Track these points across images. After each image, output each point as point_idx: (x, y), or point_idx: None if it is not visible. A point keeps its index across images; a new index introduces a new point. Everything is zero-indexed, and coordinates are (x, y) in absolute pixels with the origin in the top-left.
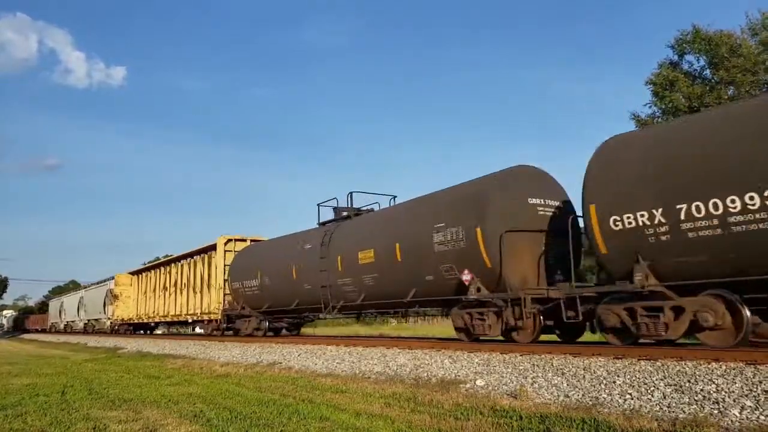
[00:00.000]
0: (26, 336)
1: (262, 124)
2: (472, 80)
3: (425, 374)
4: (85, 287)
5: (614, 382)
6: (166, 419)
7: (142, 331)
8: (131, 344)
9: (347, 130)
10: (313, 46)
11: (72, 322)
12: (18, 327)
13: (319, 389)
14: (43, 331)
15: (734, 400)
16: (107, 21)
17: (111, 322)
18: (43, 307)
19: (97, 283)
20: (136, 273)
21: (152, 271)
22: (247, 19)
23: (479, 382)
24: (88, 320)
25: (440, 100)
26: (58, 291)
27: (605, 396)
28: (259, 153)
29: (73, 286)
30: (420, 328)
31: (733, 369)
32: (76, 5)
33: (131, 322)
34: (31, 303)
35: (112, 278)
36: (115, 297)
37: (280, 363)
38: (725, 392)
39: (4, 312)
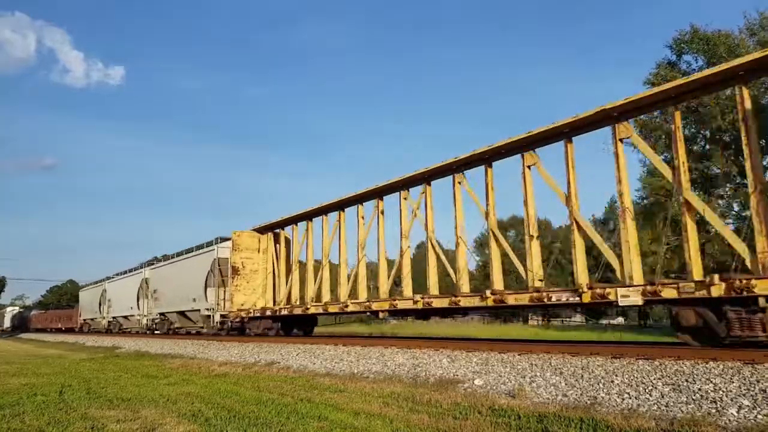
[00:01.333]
0: (24, 335)
1: (260, 123)
2: (472, 80)
3: (423, 374)
4: (150, 263)
5: (612, 381)
6: (165, 419)
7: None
8: (129, 344)
9: (346, 129)
10: (310, 46)
11: (125, 317)
12: (23, 326)
13: (317, 389)
14: (70, 331)
15: (732, 400)
16: (106, 21)
17: (222, 317)
18: (41, 304)
19: (184, 254)
20: (272, 228)
21: (326, 217)
22: (245, 19)
23: (477, 382)
24: (163, 314)
25: (440, 100)
26: (57, 290)
27: (603, 395)
28: (256, 152)
29: (70, 285)
30: None
31: (731, 368)
32: (75, 5)
33: (278, 313)
34: (29, 302)
35: (223, 240)
36: (235, 271)
37: (279, 362)
38: (723, 391)
39: (8, 308)
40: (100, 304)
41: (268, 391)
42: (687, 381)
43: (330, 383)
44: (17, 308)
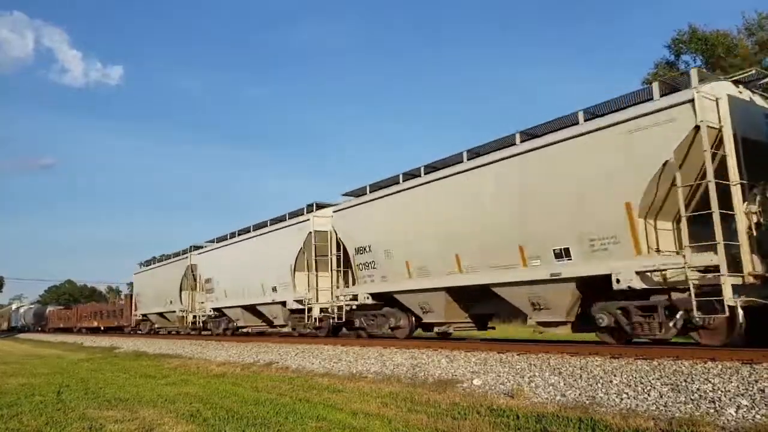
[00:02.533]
0: (22, 335)
1: (260, 123)
2: (472, 80)
3: (422, 374)
4: (323, 206)
5: (611, 381)
6: (163, 419)
7: None
8: (127, 344)
9: (346, 129)
10: (310, 46)
11: (251, 309)
12: (37, 325)
13: (315, 389)
14: (116, 331)
15: (730, 399)
16: (105, 20)
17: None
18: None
19: (465, 159)
20: None
21: None
22: (245, 19)
23: (476, 382)
24: (391, 295)
25: (440, 100)
26: (55, 290)
27: (602, 395)
28: (256, 152)
29: (69, 285)
30: None
31: (729, 368)
32: (73, 4)
33: None
34: (26, 302)
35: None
36: None
37: (277, 362)
38: (721, 391)
39: (13, 305)
40: (181, 290)
41: (266, 391)
42: (685, 381)
43: (328, 383)
44: (26, 305)
